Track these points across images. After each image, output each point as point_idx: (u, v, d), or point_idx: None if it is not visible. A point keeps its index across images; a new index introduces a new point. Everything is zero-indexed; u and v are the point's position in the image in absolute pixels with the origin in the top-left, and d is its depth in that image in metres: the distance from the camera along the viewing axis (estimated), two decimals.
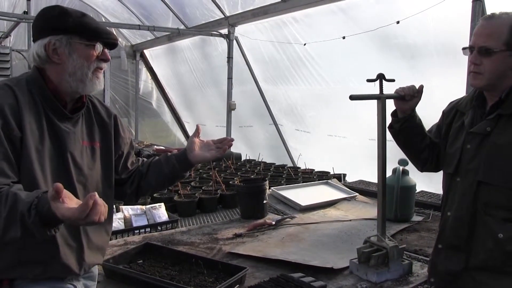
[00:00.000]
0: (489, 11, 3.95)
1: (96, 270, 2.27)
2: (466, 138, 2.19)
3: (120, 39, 11.19)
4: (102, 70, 2.03)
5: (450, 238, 2.23)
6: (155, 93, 11.97)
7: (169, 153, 2.38)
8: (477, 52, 2.08)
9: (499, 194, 2.04)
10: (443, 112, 2.46)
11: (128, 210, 3.55)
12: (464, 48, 2.17)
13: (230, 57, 7.88)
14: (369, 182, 5.22)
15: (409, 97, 2.39)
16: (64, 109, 1.97)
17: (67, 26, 1.90)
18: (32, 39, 1.98)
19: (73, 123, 2.02)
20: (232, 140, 2.38)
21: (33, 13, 8.82)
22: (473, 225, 2.13)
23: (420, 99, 2.42)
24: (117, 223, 3.38)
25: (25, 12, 7.76)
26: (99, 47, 1.97)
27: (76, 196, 1.94)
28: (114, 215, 3.40)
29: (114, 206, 3.55)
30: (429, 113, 2.75)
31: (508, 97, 2.07)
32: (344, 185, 4.94)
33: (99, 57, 1.99)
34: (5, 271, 1.85)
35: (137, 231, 3.45)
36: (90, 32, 1.93)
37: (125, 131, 2.31)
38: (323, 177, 5.32)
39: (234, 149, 7.86)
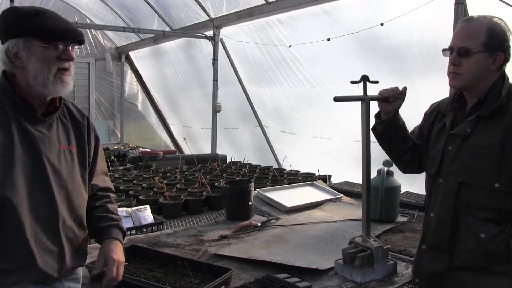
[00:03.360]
0: (471, 13, 4.00)
1: (80, 271, 2.22)
2: (447, 139, 2.22)
3: (105, 41, 11.16)
4: (67, 71, 1.94)
5: (433, 239, 2.26)
6: (141, 95, 11.94)
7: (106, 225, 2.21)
8: (457, 53, 2.12)
9: (480, 195, 2.08)
10: (425, 114, 2.49)
11: None
12: (444, 50, 2.20)
13: (215, 59, 7.89)
14: (354, 183, 5.24)
15: (393, 98, 2.41)
16: (35, 113, 1.93)
17: (22, 29, 1.84)
18: None
19: (47, 127, 1.97)
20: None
21: None
22: (455, 226, 2.16)
23: (403, 101, 2.45)
24: None
25: None
26: (60, 46, 1.89)
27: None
28: None
29: None
30: (413, 115, 2.77)
31: (486, 98, 2.11)
32: (329, 186, 4.96)
33: (61, 57, 1.90)
34: None
35: None
36: (46, 33, 1.86)
37: (90, 140, 2.21)
38: (308, 178, 5.34)
39: (219, 150, 7.88)
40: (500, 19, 2.13)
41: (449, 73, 2.17)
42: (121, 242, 2.19)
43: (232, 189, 3.98)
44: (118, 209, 3.59)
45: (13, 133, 1.85)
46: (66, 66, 1.94)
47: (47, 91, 1.91)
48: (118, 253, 2.12)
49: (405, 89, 2.44)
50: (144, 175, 5.42)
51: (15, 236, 1.83)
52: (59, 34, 1.89)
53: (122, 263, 2.13)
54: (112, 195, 2.35)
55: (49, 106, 2.01)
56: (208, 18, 7.75)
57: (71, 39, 1.93)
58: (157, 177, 4.98)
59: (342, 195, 4.59)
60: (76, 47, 1.97)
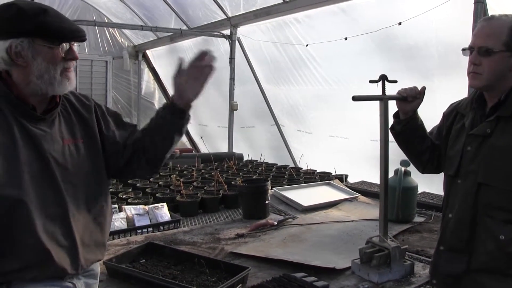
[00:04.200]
0: (491, 12, 3.97)
1: (97, 268, 2.22)
2: (467, 140, 2.19)
3: (122, 40, 11.22)
4: (71, 68, 1.93)
5: (451, 240, 2.23)
6: (157, 94, 11.99)
7: (159, 108, 2.23)
8: (477, 52, 2.08)
9: (499, 196, 2.04)
10: (444, 114, 2.46)
11: (130, 209, 3.56)
12: (464, 49, 2.18)
13: (232, 58, 7.91)
14: (371, 183, 5.22)
15: (411, 98, 2.40)
16: (34, 111, 1.90)
17: (26, 29, 1.80)
18: None
19: (49, 125, 1.94)
20: (205, 54, 2.17)
21: None
22: (474, 227, 2.13)
23: (422, 100, 2.44)
24: (120, 222, 3.40)
25: None
26: (65, 46, 1.87)
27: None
28: (116, 214, 3.41)
29: (117, 206, 3.57)
30: (431, 115, 2.75)
31: (507, 98, 2.07)
32: (346, 186, 4.94)
33: (66, 57, 1.89)
34: (2, 275, 1.82)
35: (140, 230, 3.46)
36: (52, 34, 1.83)
37: (110, 115, 2.21)
38: (325, 178, 5.33)
39: (236, 149, 7.89)
40: None
41: (469, 73, 2.14)
42: None
43: (249, 188, 3.98)
44: (135, 206, 3.64)
45: (14, 133, 1.83)
46: (70, 65, 1.93)
47: (52, 89, 1.89)
48: None
49: (423, 88, 2.43)
50: (161, 173, 5.45)
51: (27, 235, 1.82)
52: (64, 35, 1.87)
53: None
54: None
55: (49, 103, 1.98)
56: (225, 17, 7.77)
57: (75, 38, 1.92)
58: (174, 175, 5.01)
59: (359, 194, 4.57)
60: (77, 44, 1.96)
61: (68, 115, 2.05)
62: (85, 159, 2.06)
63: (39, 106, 1.94)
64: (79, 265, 1.98)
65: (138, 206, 3.66)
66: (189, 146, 11.25)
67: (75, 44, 1.94)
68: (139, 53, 11.35)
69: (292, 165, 6.94)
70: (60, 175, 1.93)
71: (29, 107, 1.89)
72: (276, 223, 3.65)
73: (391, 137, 2.56)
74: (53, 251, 1.87)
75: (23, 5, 1.81)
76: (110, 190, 4.19)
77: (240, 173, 5.39)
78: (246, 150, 7.72)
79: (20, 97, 1.87)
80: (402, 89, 2.43)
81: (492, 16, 2.15)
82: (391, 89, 2.53)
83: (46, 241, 1.85)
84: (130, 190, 4.44)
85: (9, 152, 1.80)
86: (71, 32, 1.88)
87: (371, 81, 2.60)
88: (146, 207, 3.68)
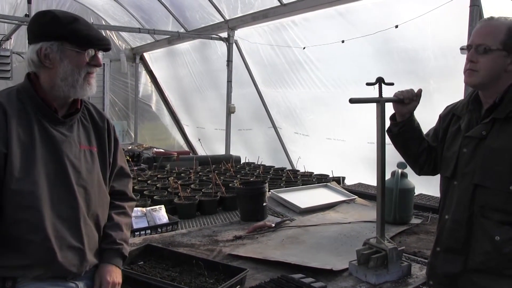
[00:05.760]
0: (486, 16, 3.99)
1: None
2: (463, 142, 2.21)
3: (120, 42, 11.22)
4: (93, 74, 2.06)
5: (448, 241, 2.25)
6: (155, 96, 12.00)
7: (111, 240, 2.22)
8: (474, 49, 2.10)
9: (495, 197, 2.06)
10: (440, 116, 2.48)
11: None
12: (462, 48, 2.20)
13: (229, 61, 7.91)
14: (368, 185, 5.23)
15: (408, 100, 2.41)
16: (56, 114, 2.00)
17: (58, 33, 1.94)
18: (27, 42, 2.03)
19: (68, 128, 2.05)
20: None
21: None
22: (470, 228, 2.15)
23: (418, 102, 2.45)
24: None
25: (26, 15, 7.78)
26: (90, 52, 2.01)
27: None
28: None
29: None
30: (428, 117, 2.77)
31: (502, 100, 2.09)
32: (343, 188, 4.96)
33: (91, 62, 2.02)
34: (8, 270, 1.88)
35: (138, 233, 3.46)
36: (81, 40, 1.97)
37: (111, 141, 2.28)
38: (322, 180, 5.34)
39: (233, 152, 7.90)
40: None
41: (465, 70, 2.15)
42: (119, 267, 2.22)
43: (247, 190, 3.99)
44: (134, 209, 3.64)
45: (34, 133, 1.93)
46: (93, 70, 2.05)
47: (74, 92, 2.00)
48: (113, 275, 2.16)
49: (420, 91, 2.44)
50: (159, 176, 5.46)
51: (36, 233, 1.88)
52: (91, 41, 2.00)
53: (118, 284, 2.18)
54: (128, 204, 2.39)
55: (70, 108, 2.09)
56: (223, 20, 7.78)
57: (101, 46, 2.04)
58: (172, 178, 5.02)
59: (356, 196, 4.59)
60: (101, 53, 2.07)
61: (86, 123, 2.17)
62: (98, 166, 2.16)
63: (60, 110, 2.05)
64: (83, 266, 2.05)
65: (136, 209, 3.66)
66: (186, 148, 11.26)
67: (100, 52, 2.06)
68: (136, 56, 11.35)
69: (289, 167, 6.95)
70: (74, 178, 2.01)
71: (52, 110, 1.99)
72: (274, 225, 3.66)
73: (388, 139, 2.57)
74: (59, 251, 1.93)
75: (58, 13, 1.98)
76: None
77: (238, 176, 5.40)
78: (244, 152, 7.73)
79: (44, 99, 1.98)
80: (398, 91, 2.45)
81: (492, 17, 2.16)
82: (388, 92, 2.55)
83: (53, 241, 1.92)
84: None
85: (27, 150, 1.90)
86: (98, 39, 2.02)
87: (368, 84, 2.61)
88: (144, 209, 3.68)
